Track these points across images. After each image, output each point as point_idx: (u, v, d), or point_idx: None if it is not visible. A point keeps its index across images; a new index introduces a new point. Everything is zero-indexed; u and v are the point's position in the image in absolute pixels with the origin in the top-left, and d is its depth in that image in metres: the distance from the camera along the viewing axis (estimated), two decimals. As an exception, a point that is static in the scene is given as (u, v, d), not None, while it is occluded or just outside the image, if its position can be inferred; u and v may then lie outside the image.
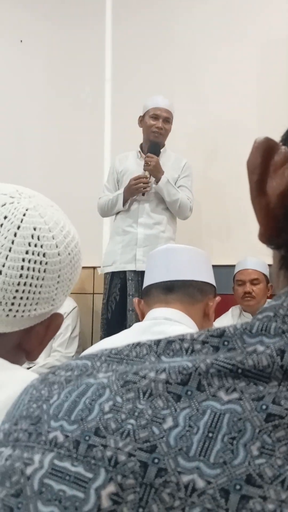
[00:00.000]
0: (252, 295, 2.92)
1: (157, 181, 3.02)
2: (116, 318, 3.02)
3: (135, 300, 1.43)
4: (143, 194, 3.02)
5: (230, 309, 3.12)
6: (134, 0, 3.85)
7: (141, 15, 3.79)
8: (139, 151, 3.20)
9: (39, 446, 0.30)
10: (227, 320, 3.04)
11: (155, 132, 3.09)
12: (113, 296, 3.08)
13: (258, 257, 2.91)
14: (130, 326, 2.89)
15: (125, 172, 3.14)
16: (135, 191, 3.00)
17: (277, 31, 3.37)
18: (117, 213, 3.15)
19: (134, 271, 3.02)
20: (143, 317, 1.37)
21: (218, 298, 1.38)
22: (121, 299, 3.04)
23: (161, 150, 3.10)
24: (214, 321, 1.43)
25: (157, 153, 3.05)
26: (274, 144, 0.36)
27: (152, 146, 3.06)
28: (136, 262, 3.02)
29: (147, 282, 1.38)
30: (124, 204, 3.05)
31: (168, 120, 3.13)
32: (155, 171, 3.00)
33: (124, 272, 3.05)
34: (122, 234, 3.10)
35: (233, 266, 3.04)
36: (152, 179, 3.01)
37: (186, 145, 3.58)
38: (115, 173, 3.20)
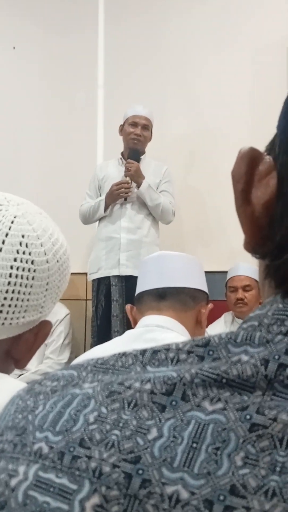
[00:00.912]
0: (245, 301, 2.92)
1: (138, 186, 3.06)
2: (103, 325, 3.03)
3: (128, 306, 1.43)
4: (125, 199, 3.06)
5: (223, 316, 3.12)
6: (127, 6, 3.86)
7: (133, 21, 3.80)
8: (120, 158, 3.25)
9: (24, 457, 0.30)
10: (220, 326, 3.04)
11: (133, 139, 3.16)
12: (100, 303, 3.09)
13: (250, 263, 2.92)
14: (115, 332, 2.93)
15: (107, 179, 3.18)
16: (117, 196, 3.04)
17: (270, 35, 3.39)
18: (99, 219, 3.18)
19: (118, 276, 3.05)
20: (135, 323, 1.37)
21: (210, 305, 1.38)
22: (106, 305, 3.06)
23: (141, 157, 3.15)
24: (206, 327, 1.43)
25: (137, 159, 3.10)
26: (259, 153, 0.36)
27: (132, 152, 3.12)
28: (119, 267, 3.05)
29: (139, 289, 1.38)
30: (105, 210, 3.09)
31: (147, 127, 3.19)
32: (136, 176, 3.05)
33: (109, 277, 3.07)
34: (105, 240, 3.12)
35: (219, 272, 3.06)
36: (134, 184, 3.05)
37: (177, 149, 3.60)
38: (96, 181, 3.24)
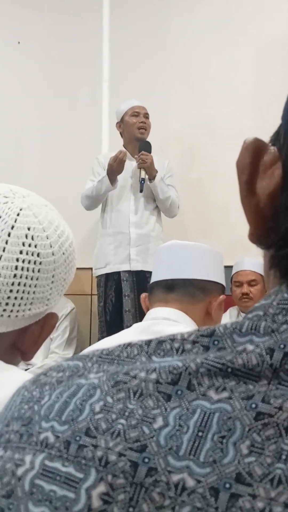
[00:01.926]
0: (250, 296, 2.92)
1: (151, 178, 3.03)
2: (114, 320, 3.01)
3: (143, 295, 1.41)
4: (141, 191, 3.03)
5: (228, 310, 3.12)
6: (131, 2, 3.86)
7: (138, 16, 3.79)
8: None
9: (30, 447, 0.30)
10: (225, 321, 3.03)
11: (140, 127, 3.12)
12: (109, 298, 3.08)
13: (254, 257, 2.92)
14: (128, 327, 2.91)
15: None
16: (118, 165, 2.97)
17: (275, 32, 3.37)
18: (103, 214, 3.14)
19: (129, 271, 3.03)
20: (148, 311, 1.37)
21: (222, 297, 1.34)
22: (117, 300, 3.05)
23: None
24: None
25: (150, 151, 3.06)
26: (263, 144, 0.36)
27: (144, 144, 3.08)
28: (130, 261, 3.03)
29: (152, 279, 1.38)
30: (113, 184, 3.02)
31: (147, 116, 3.18)
32: (151, 169, 3.02)
33: (118, 273, 3.05)
34: (113, 235, 3.10)
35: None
36: (146, 177, 3.01)
37: (181, 144, 3.60)
38: (102, 169, 3.15)
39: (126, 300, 3.01)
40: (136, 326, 1.32)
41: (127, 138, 3.21)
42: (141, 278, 3.00)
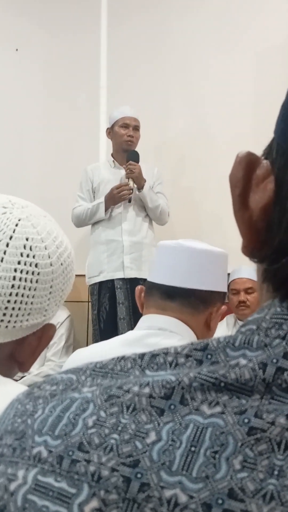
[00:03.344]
0: (247, 304, 2.92)
1: (140, 188, 3.06)
2: (109, 328, 3.02)
3: (138, 287, 1.34)
4: (129, 201, 3.06)
5: (225, 318, 3.12)
6: (129, 7, 3.87)
7: (136, 22, 3.81)
8: (113, 161, 3.25)
9: (23, 461, 0.30)
10: (222, 329, 3.04)
11: (127, 140, 3.16)
12: (103, 306, 3.09)
13: (252, 266, 2.91)
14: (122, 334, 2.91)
15: (101, 182, 3.17)
16: (119, 199, 3.03)
17: (274, 37, 3.38)
18: (95, 223, 3.17)
19: (123, 279, 3.05)
20: (142, 307, 1.31)
21: (224, 308, 1.28)
22: (111, 308, 3.05)
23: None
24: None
25: (137, 160, 3.10)
26: (256, 158, 0.37)
27: (132, 154, 3.11)
28: (124, 269, 3.04)
29: (151, 276, 1.29)
30: (106, 213, 3.07)
31: (137, 128, 3.20)
32: (139, 178, 3.05)
33: (112, 281, 3.07)
34: (106, 243, 3.12)
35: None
36: (135, 187, 3.05)
37: (179, 149, 3.60)
38: (90, 183, 3.22)
39: (121, 307, 3.02)
40: (129, 334, 1.26)
41: (115, 147, 3.27)
42: (135, 286, 3.00)
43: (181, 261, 1.24)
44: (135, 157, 3.10)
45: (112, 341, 1.30)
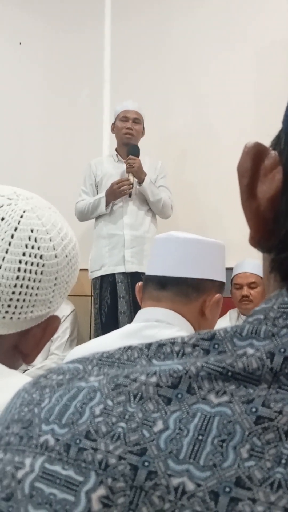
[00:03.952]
0: (250, 298, 2.92)
1: (140, 182, 3.06)
2: (110, 321, 3.03)
3: (138, 284, 1.35)
4: (130, 196, 3.06)
5: (228, 312, 3.12)
6: (133, 3, 3.86)
7: (139, 17, 3.80)
8: (116, 155, 3.26)
9: (30, 449, 0.30)
10: (225, 323, 3.04)
11: (126, 133, 3.16)
12: (105, 300, 3.10)
13: (256, 260, 2.92)
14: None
15: (104, 176, 3.18)
16: (119, 194, 3.04)
17: (275, 33, 3.37)
18: (98, 217, 3.18)
19: (124, 273, 3.06)
20: (141, 302, 1.32)
21: (218, 296, 1.27)
22: (112, 302, 3.06)
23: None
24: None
25: (137, 154, 3.10)
26: (264, 148, 0.37)
27: (132, 148, 3.11)
28: (125, 263, 3.05)
29: (147, 270, 1.31)
30: (106, 207, 3.08)
31: (137, 121, 3.20)
32: (139, 173, 3.05)
33: (113, 275, 3.08)
34: (108, 237, 3.13)
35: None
36: (135, 181, 3.06)
37: (181, 145, 3.59)
38: (93, 177, 3.24)
39: (121, 301, 3.02)
40: (127, 328, 1.27)
41: (118, 141, 3.28)
42: (136, 280, 3.01)
43: (172, 251, 1.25)
44: (135, 151, 3.10)
45: (110, 335, 1.32)
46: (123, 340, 1.23)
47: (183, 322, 1.23)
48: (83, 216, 3.20)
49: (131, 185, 3.04)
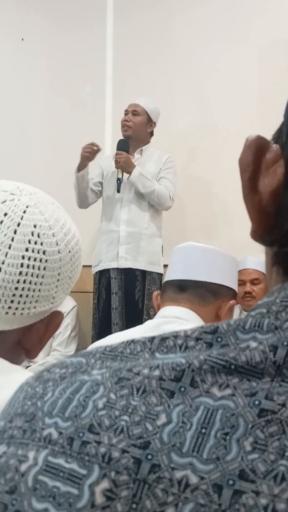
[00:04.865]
0: (253, 295, 2.92)
1: (128, 175, 3.06)
2: (105, 317, 3.05)
3: (155, 293, 1.45)
4: (118, 191, 3.07)
5: (231, 308, 3.12)
6: (136, 0, 3.85)
7: (142, 15, 3.79)
8: None
9: (33, 443, 0.30)
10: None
11: (123, 125, 3.18)
12: (101, 296, 3.12)
13: (258, 257, 2.92)
14: (114, 324, 2.96)
15: (109, 171, 3.22)
16: (82, 157, 3.10)
17: (278, 32, 3.37)
18: (102, 213, 3.21)
19: (117, 269, 3.06)
20: (158, 309, 1.39)
21: (233, 302, 1.37)
22: (107, 297, 3.08)
23: (144, 148, 3.20)
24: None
25: (126, 149, 3.10)
26: (266, 142, 0.36)
27: (120, 143, 3.13)
28: (118, 259, 3.05)
29: (166, 277, 1.41)
30: (78, 171, 3.12)
31: (136, 113, 3.20)
32: (126, 167, 3.05)
33: (109, 270, 3.09)
34: (106, 233, 3.15)
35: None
36: (125, 175, 3.07)
37: (184, 142, 3.60)
38: (100, 169, 3.28)
39: (114, 297, 3.03)
40: (148, 323, 1.34)
41: None
42: (130, 276, 3.03)
43: (192, 257, 1.36)
44: (123, 146, 3.11)
45: (134, 330, 1.38)
46: (144, 334, 1.26)
47: (200, 321, 1.29)
48: (78, 198, 3.21)
49: (98, 149, 3.07)
